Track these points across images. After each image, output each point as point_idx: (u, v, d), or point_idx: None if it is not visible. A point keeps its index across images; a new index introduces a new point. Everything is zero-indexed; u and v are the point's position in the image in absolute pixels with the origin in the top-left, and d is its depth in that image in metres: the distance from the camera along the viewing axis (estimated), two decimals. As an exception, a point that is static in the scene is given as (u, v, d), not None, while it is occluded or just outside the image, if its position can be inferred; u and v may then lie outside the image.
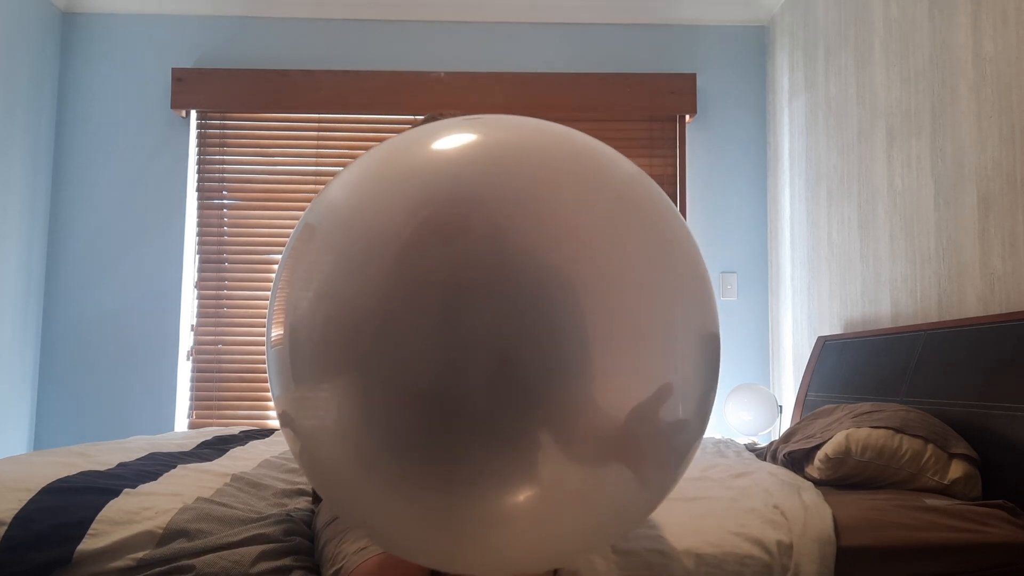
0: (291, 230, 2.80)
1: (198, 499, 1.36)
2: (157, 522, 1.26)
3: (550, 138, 0.81)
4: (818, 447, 1.70)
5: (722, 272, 3.48)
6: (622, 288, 0.74)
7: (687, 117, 3.49)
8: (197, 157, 3.51)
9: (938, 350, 1.91)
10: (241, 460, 1.81)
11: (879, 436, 1.62)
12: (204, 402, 3.41)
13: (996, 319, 1.73)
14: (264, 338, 3.66)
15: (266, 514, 1.32)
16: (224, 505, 1.35)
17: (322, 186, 3.41)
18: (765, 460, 1.99)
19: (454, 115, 1.01)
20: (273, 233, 3.48)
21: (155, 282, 3.41)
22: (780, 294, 3.34)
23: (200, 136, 3.51)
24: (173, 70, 3.42)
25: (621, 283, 0.74)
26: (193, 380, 3.43)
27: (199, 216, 3.49)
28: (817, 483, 1.65)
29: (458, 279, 0.71)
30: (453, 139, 0.79)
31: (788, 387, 3.21)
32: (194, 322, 3.45)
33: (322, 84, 3.42)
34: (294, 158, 3.51)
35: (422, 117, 1.46)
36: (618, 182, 0.80)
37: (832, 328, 2.79)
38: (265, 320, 3.40)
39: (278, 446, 2.13)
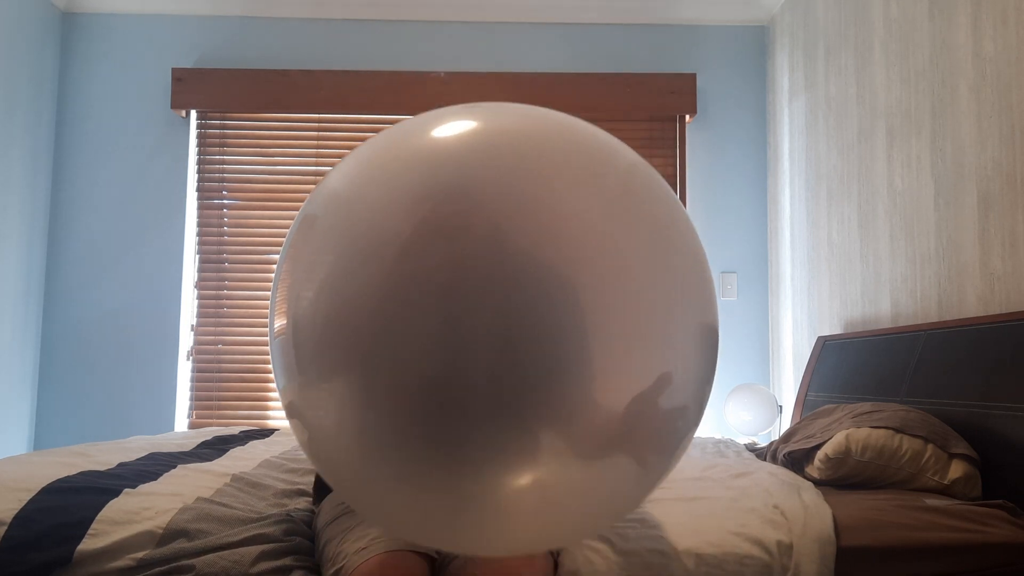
0: (291, 230, 2.80)
1: (198, 499, 1.36)
2: (157, 522, 1.26)
3: (550, 127, 0.81)
4: (818, 447, 1.70)
5: (722, 272, 3.48)
6: (622, 286, 0.74)
7: (687, 117, 3.49)
8: (197, 157, 3.51)
9: (938, 350, 1.91)
10: (241, 460, 1.81)
11: (879, 436, 1.62)
12: (204, 402, 3.41)
13: (996, 319, 1.73)
14: (264, 337, 3.64)
15: (266, 514, 1.32)
16: (224, 505, 1.35)
17: (322, 186, 3.41)
18: (765, 460, 1.99)
19: None
20: (273, 233, 3.48)
21: (155, 282, 3.41)
22: (780, 294, 3.34)
23: (200, 136, 3.51)
24: (173, 70, 3.42)
25: (620, 281, 0.75)
26: (193, 380, 3.43)
27: (199, 216, 3.49)
28: (817, 483, 1.65)
29: (458, 278, 0.71)
30: (452, 127, 0.79)
31: (788, 387, 3.21)
32: (194, 322, 3.45)
33: (322, 84, 3.42)
34: (294, 158, 3.51)
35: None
36: (618, 172, 0.80)
37: (832, 328, 2.79)
38: (265, 320, 3.41)
39: (278, 446, 2.13)
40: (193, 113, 3.50)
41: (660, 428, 0.77)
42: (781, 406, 3.22)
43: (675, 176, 3.51)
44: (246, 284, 3.45)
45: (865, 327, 2.53)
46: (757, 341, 3.47)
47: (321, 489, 1.43)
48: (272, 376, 3.39)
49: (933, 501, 1.47)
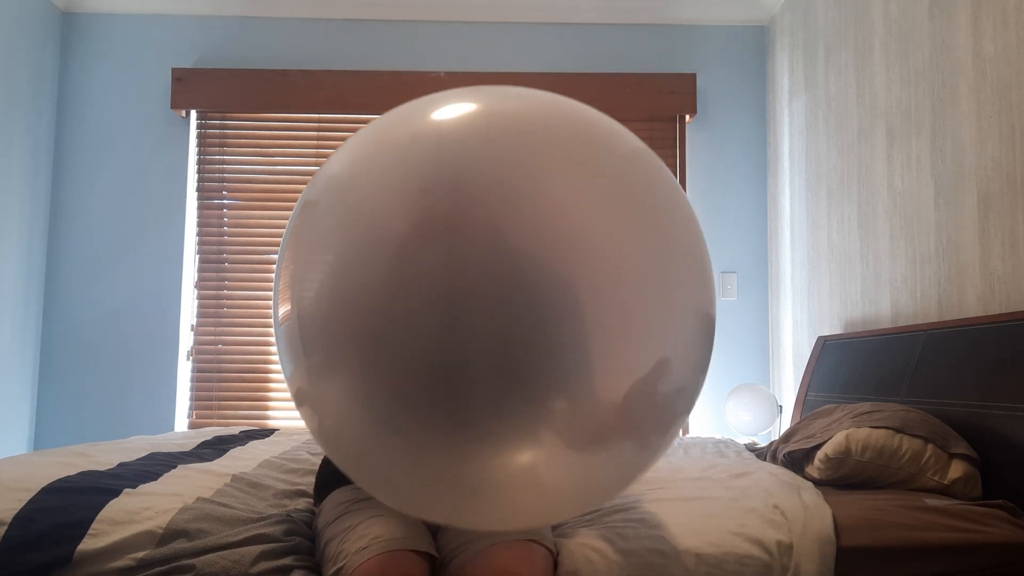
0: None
1: (198, 499, 1.36)
2: (157, 522, 1.26)
3: (550, 113, 0.81)
4: (818, 447, 1.70)
5: (722, 272, 3.48)
6: (621, 284, 0.75)
7: (687, 117, 3.49)
8: (197, 157, 3.51)
9: (938, 350, 1.91)
10: (241, 460, 1.81)
11: (879, 436, 1.62)
12: (204, 402, 3.41)
13: (996, 319, 1.73)
14: (264, 337, 3.62)
15: (266, 514, 1.32)
16: (224, 505, 1.35)
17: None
18: (765, 460, 1.99)
19: None
20: (273, 233, 3.48)
21: (155, 282, 3.41)
22: (780, 294, 3.34)
23: (200, 136, 3.51)
24: (173, 70, 3.42)
25: (620, 279, 0.75)
26: (193, 380, 3.43)
27: (199, 216, 3.49)
28: (817, 483, 1.65)
29: (458, 276, 0.71)
30: (452, 111, 0.79)
31: (788, 387, 3.21)
32: (194, 322, 3.45)
33: (322, 84, 3.42)
34: (294, 158, 3.51)
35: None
36: (618, 161, 0.79)
37: (832, 328, 2.79)
38: (265, 320, 3.41)
39: (278, 446, 2.13)
40: (193, 113, 3.50)
41: (659, 404, 0.78)
42: (781, 406, 3.22)
43: (675, 176, 3.51)
44: (246, 284, 3.45)
45: (865, 327, 2.53)
46: (757, 341, 3.47)
47: (322, 489, 1.43)
48: (272, 376, 3.40)
49: (933, 501, 1.47)
